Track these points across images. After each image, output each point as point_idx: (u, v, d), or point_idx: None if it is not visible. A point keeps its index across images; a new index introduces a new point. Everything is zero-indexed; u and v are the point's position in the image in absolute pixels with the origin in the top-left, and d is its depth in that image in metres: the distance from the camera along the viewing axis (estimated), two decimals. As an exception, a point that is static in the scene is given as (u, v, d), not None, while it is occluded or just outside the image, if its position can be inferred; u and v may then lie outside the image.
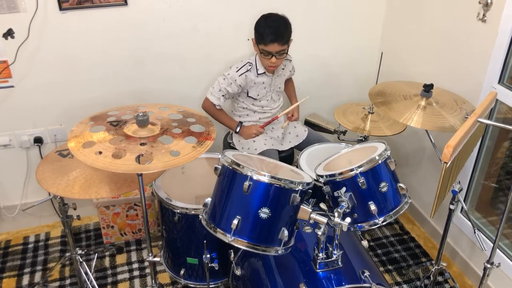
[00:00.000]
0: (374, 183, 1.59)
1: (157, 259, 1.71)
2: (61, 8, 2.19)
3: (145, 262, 2.43)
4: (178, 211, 1.87)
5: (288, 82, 2.55)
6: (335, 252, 1.57)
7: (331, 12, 2.63)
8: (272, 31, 2.11)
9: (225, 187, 1.49)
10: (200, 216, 1.55)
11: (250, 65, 2.26)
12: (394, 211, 1.63)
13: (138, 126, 1.62)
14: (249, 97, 2.32)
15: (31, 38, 2.21)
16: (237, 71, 2.24)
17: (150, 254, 1.71)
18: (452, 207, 1.92)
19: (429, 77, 2.34)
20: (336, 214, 1.48)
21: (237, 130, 2.36)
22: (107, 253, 2.49)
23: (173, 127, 1.65)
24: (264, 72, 2.27)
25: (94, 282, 2.09)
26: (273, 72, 2.31)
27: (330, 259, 1.57)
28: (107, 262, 2.44)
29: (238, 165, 1.45)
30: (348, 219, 1.48)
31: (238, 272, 1.78)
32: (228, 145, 2.47)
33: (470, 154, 1.96)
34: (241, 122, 2.38)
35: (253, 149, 2.32)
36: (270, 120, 2.40)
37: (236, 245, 1.45)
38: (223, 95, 2.28)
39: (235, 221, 1.42)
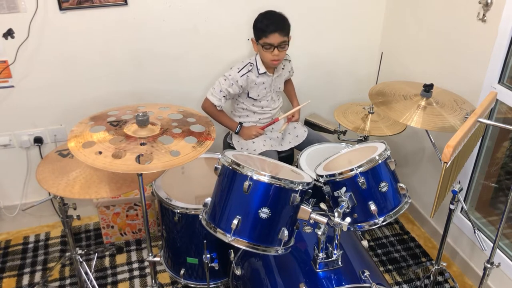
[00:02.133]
0: (374, 183, 1.59)
1: (157, 259, 1.71)
2: (61, 8, 2.20)
3: (145, 262, 2.43)
4: (178, 211, 1.87)
5: (288, 83, 2.55)
6: (335, 252, 1.57)
7: (331, 12, 2.63)
8: (272, 22, 2.15)
9: (225, 187, 1.49)
10: (200, 216, 1.55)
11: (251, 66, 2.26)
12: (394, 211, 1.63)
13: (138, 126, 1.62)
14: (250, 97, 2.32)
15: (31, 38, 2.21)
16: (238, 72, 2.24)
17: (150, 254, 1.71)
18: (452, 207, 1.92)
19: (429, 77, 2.34)
20: (336, 214, 1.48)
21: (237, 130, 2.36)
22: (107, 253, 2.49)
23: (173, 127, 1.65)
24: (265, 72, 2.28)
25: (94, 282, 2.09)
26: (273, 72, 2.31)
27: (330, 259, 1.57)
28: (107, 262, 2.44)
29: (238, 165, 1.45)
30: (348, 219, 1.48)
31: (238, 272, 1.78)
32: (228, 146, 2.47)
33: (470, 154, 1.96)
34: (241, 123, 2.38)
35: (252, 150, 2.32)
36: (271, 122, 2.40)
37: (236, 245, 1.45)
38: (224, 96, 2.27)
39: (235, 221, 1.42)
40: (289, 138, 2.47)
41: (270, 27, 2.14)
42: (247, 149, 2.34)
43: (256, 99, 2.33)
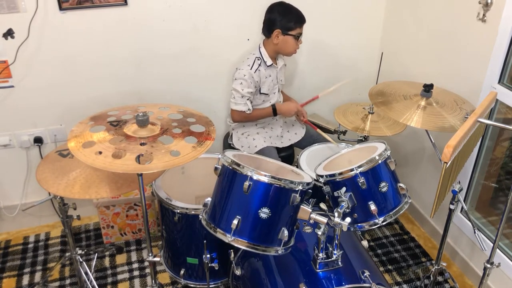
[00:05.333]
0: (374, 183, 1.59)
1: (157, 259, 1.71)
2: (61, 8, 2.19)
3: (145, 262, 2.43)
4: (178, 211, 1.87)
5: None
6: (335, 252, 1.57)
7: (330, 12, 2.63)
8: (299, 13, 2.22)
9: (225, 187, 1.49)
10: (200, 216, 1.55)
11: (259, 59, 2.26)
12: (394, 211, 1.63)
13: (138, 126, 1.62)
14: (262, 93, 2.31)
15: (31, 38, 2.21)
16: (251, 68, 2.24)
17: (150, 254, 1.71)
18: (452, 207, 1.92)
19: (429, 77, 2.34)
20: (336, 214, 1.48)
21: (274, 114, 2.35)
22: (107, 253, 2.49)
23: (173, 127, 1.65)
24: (272, 64, 2.28)
25: (94, 282, 2.09)
26: (276, 63, 2.32)
27: (330, 259, 1.57)
28: (107, 262, 2.44)
29: (238, 165, 1.45)
30: (348, 219, 1.48)
31: (238, 272, 1.78)
32: (228, 146, 2.47)
33: (470, 154, 1.97)
34: (273, 105, 2.36)
35: (253, 146, 2.32)
36: (310, 99, 2.44)
37: (236, 245, 1.45)
38: (247, 99, 2.26)
39: (235, 221, 1.42)
40: (288, 135, 2.48)
41: (302, 17, 2.21)
42: (248, 147, 2.34)
43: (267, 94, 2.33)
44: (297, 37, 2.22)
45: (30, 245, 2.57)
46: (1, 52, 2.21)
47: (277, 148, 2.39)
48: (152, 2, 2.32)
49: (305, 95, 2.75)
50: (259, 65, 2.25)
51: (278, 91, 2.40)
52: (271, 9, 2.23)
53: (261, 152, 2.29)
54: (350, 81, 2.36)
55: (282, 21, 2.19)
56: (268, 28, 2.23)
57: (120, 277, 2.35)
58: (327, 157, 1.87)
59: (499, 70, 1.95)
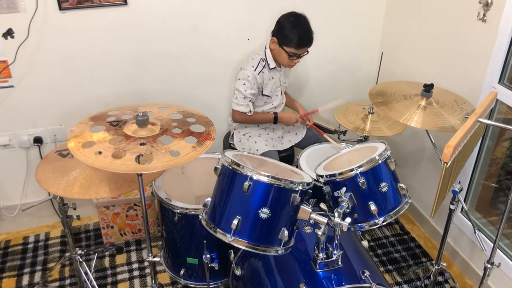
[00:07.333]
0: (374, 183, 1.59)
1: (157, 259, 1.71)
2: (61, 8, 2.19)
3: (145, 262, 2.43)
4: (178, 211, 1.87)
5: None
6: (335, 252, 1.57)
7: (331, 12, 2.63)
8: (305, 36, 2.14)
9: (225, 187, 1.49)
10: (200, 216, 1.55)
11: (264, 61, 2.25)
12: (394, 211, 1.63)
13: (138, 126, 1.62)
14: (264, 95, 2.31)
15: (31, 38, 2.21)
16: (255, 70, 2.22)
17: (150, 254, 1.71)
18: (452, 207, 1.92)
19: (429, 77, 2.34)
20: (336, 214, 1.48)
21: (275, 121, 2.35)
22: (107, 253, 2.49)
23: (173, 127, 1.65)
24: (275, 67, 2.27)
25: (94, 282, 2.09)
26: (280, 66, 2.31)
27: (330, 259, 1.57)
28: (107, 262, 2.44)
29: (238, 165, 1.45)
30: (348, 219, 1.48)
31: (238, 272, 1.78)
32: (229, 146, 2.47)
33: (470, 154, 1.97)
34: (275, 113, 2.36)
35: (254, 150, 2.32)
36: (310, 112, 2.42)
37: (236, 245, 1.45)
38: (249, 100, 2.25)
39: (235, 221, 1.42)
40: (289, 136, 2.47)
41: (304, 41, 2.14)
42: (249, 149, 2.34)
43: (269, 96, 2.32)
44: (291, 56, 2.17)
45: (30, 245, 2.57)
46: (1, 52, 2.21)
47: (277, 149, 2.40)
48: (152, 2, 2.32)
49: (304, 95, 2.76)
50: (263, 66, 2.24)
51: (281, 94, 2.39)
52: (287, 15, 2.16)
53: (262, 156, 2.28)
54: (344, 101, 2.41)
55: (283, 32, 2.15)
56: (273, 31, 2.22)
57: (120, 277, 2.35)
58: (327, 157, 1.87)
59: (499, 70, 1.95)
